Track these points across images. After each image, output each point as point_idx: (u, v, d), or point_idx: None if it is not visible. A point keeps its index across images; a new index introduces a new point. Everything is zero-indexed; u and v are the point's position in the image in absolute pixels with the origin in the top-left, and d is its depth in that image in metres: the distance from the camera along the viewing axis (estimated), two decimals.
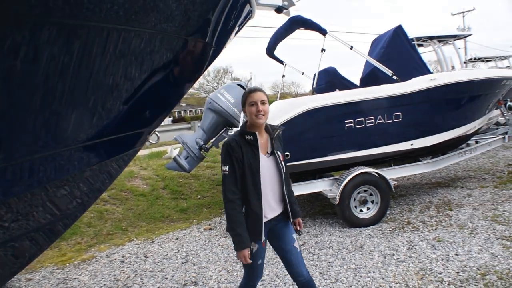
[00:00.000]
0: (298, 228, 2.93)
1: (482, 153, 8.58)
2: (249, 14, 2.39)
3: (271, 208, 2.74)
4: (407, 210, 6.38)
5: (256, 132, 2.64)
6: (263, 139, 2.71)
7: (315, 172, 6.41)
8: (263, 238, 2.68)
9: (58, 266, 5.29)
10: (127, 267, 5.12)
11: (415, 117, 6.27)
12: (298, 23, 6.62)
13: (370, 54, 7.54)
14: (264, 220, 2.67)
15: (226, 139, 5.54)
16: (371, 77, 6.92)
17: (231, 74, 52.17)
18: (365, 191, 5.90)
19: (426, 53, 9.58)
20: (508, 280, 3.72)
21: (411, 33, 7.33)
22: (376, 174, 5.88)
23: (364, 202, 5.87)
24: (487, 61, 16.39)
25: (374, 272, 4.23)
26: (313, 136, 5.88)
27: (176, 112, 55.02)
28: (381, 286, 3.90)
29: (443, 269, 4.12)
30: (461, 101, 6.86)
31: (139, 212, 7.46)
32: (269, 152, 2.73)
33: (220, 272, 4.69)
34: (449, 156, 7.20)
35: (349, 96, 6.02)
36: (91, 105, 1.51)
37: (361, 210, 5.89)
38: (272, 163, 2.72)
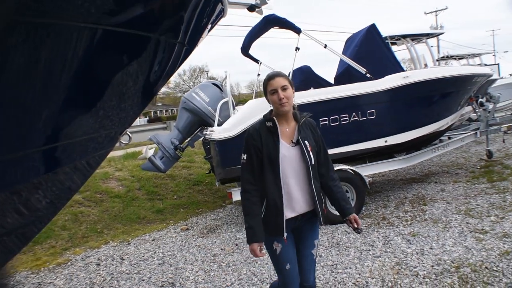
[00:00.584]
0: (356, 226, 2.60)
1: (455, 148, 8.83)
2: (221, 13, 2.37)
3: (296, 202, 2.50)
4: (382, 206, 6.48)
5: (275, 118, 2.47)
6: (289, 127, 2.52)
7: None
8: (285, 234, 2.45)
9: (33, 271, 5.18)
10: (103, 270, 5.04)
11: (388, 114, 6.38)
12: (272, 21, 6.62)
13: (344, 52, 7.62)
14: (288, 216, 2.47)
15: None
16: (345, 75, 6.98)
17: (207, 73, 52.05)
18: None
19: (400, 52, 9.72)
20: (481, 272, 3.81)
21: (384, 31, 7.43)
22: (351, 171, 5.95)
23: None
24: (459, 58, 16.72)
25: (350, 268, 4.28)
26: None
27: (152, 112, 54.45)
28: (357, 281, 3.94)
29: (418, 263, 4.20)
30: (433, 98, 7.00)
31: (114, 214, 7.36)
32: (294, 141, 2.50)
33: (197, 272, 4.66)
34: (423, 152, 7.35)
35: (323, 94, 6.08)
36: (57, 105, 1.48)
37: None
38: (297, 152, 2.48)
